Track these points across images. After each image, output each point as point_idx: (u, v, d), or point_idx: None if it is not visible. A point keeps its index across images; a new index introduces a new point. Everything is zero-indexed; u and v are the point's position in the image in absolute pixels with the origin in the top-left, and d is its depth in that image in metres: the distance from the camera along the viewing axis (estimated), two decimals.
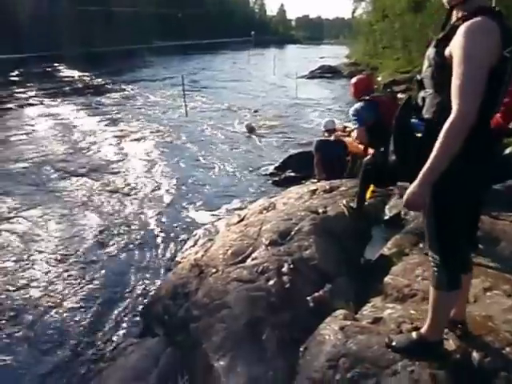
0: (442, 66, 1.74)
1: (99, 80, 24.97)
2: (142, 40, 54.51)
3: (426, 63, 1.87)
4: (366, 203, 4.41)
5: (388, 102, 4.39)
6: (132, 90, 21.73)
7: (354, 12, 50.47)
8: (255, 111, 15.71)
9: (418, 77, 1.91)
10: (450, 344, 2.18)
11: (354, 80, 4.67)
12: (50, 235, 6.07)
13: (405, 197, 1.83)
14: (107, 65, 33.08)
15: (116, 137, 12.03)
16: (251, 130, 12.27)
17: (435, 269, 2.01)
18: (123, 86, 22.67)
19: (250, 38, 70.45)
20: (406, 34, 25.31)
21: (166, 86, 22.85)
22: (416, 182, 1.77)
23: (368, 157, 4.28)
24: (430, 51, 1.82)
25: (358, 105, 4.34)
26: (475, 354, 2.11)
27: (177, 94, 18.84)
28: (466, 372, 2.07)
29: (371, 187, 4.51)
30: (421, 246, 3.51)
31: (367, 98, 4.34)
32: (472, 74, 1.63)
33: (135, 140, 11.78)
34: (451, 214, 1.91)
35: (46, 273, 5.09)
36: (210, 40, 64.54)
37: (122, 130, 12.83)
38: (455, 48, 1.69)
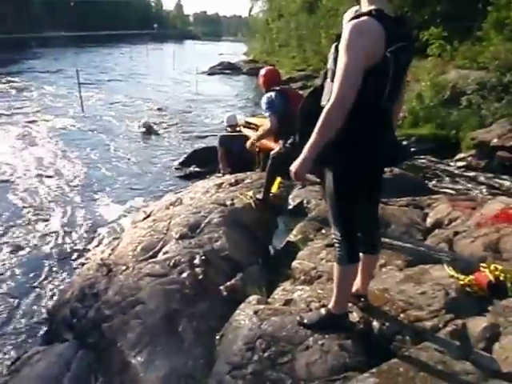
0: (336, 60, 1.92)
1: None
2: (30, 29, 50.30)
3: (329, 55, 2.05)
4: (271, 195, 4.58)
5: (295, 94, 4.56)
6: (23, 83, 20.05)
7: (250, 10, 51.63)
8: (158, 109, 15.32)
9: (327, 67, 2.09)
10: (354, 316, 2.40)
11: (263, 71, 4.69)
12: None
13: (291, 169, 2.03)
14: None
15: (10, 134, 11.09)
16: (149, 128, 11.66)
17: (337, 245, 2.22)
18: (11, 79, 20.83)
19: (147, 32, 68.45)
20: (301, 34, 26.45)
21: (60, 80, 21.44)
22: (300, 157, 1.98)
23: (274, 150, 4.40)
24: (333, 45, 2.00)
25: (269, 94, 4.35)
26: (375, 323, 2.35)
27: (71, 88, 17.76)
28: (368, 339, 2.30)
29: (278, 179, 4.67)
30: (323, 231, 3.76)
31: (278, 88, 4.43)
32: (348, 67, 1.84)
33: (30, 136, 10.98)
34: (346, 194, 2.13)
35: None
36: (106, 32, 61.38)
37: (16, 126, 11.86)
38: (340, 44, 1.90)
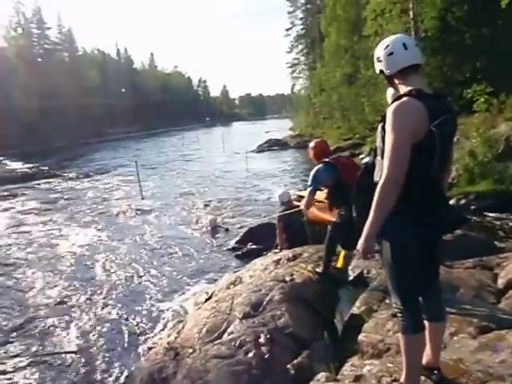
0: (384, 138, 2.05)
1: (56, 173, 24.64)
2: (95, 132, 55.09)
3: (377, 134, 2.19)
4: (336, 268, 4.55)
5: (347, 162, 4.64)
6: (88, 180, 21.70)
7: (293, 88, 54.13)
8: (208, 194, 15.71)
9: (376, 145, 2.23)
10: None
11: (312, 144, 4.78)
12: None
13: (358, 249, 2.12)
14: (61, 157, 32.84)
15: (77, 226, 11.89)
16: (215, 223, 10.60)
17: (399, 315, 2.21)
18: (78, 178, 22.61)
19: (199, 125, 72.83)
20: (344, 105, 27.22)
21: (121, 171, 23.00)
22: (363, 236, 2.07)
23: (331, 223, 4.44)
24: (379, 125, 2.14)
25: (318, 166, 4.44)
26: None
27: (130, 178, 18.96)
28: None
29: (342, 253, 4.61)
30: (387, 301, 3.67)
31: (327, 160, 4.52)
32: (395, 146, 1.97)
33: (96, 229, 11.64)
34: (405, 265, 2.15)
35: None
36: (158, 127, 66.17)
37: (82, 221, 12.70)
38: (386, 124, 2.04)
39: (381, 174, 2.01)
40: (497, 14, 14.17)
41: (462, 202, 9.74)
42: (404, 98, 2.02)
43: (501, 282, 4.17)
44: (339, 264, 4.56)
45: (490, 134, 11.32)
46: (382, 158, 2.05)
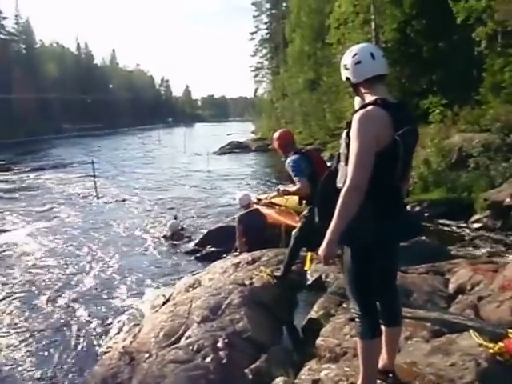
0: (348, 145, 2.08)
1: (8, 167, 23.58)
2: (50, 127, 53.16)
3: (341, 141, 2.21)
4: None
5: (319, 157, 4.62)
6: (42, 176, 21.00)
7: (256, 91, 54.47)
8: (170, 195, 15.46)
9: (340, 151, 2.24)
10: None
11: (277, 134, 4.62)
12: None
13: (319, 254, 2.12)
14: (15, 151, 31.50)
15: (27, 225, 11.47)
16: (176, 229, 9.85)
17: (357, 320, 2.25)
18: (32, 173, 21.80)
19: (160, 125, 71.88)
20: (305, 110, 27.63)
21: (76, 170, 22.33)
22: (324, 241, 2.08)
23: (296, 229, 4.40)
24: (344, 132, 2.17)
25: (294, 157, 4.25)
26: None
27: (87, 176, 18.46)
28: None
29: (309, 255, 4.56)
30: (344, 305, 3.72)
31: (302, 150, 4.46)
32: (360, 153, 2.00)
33: (48, 226, 11.26)
34: (365, 271, 2.19)
35: None
36: (118, 125, 64.73)
37: (33, 218, 12.22)
38: (351, 131, 2.07)
39: (344, 180, 2.04)
40: (453, 29, 14.79)
41: (417, 209, 10.08)
42: (369, 107, 2.06)
43: (451, 288, 4.34)
44: (307, 266, 4.58)
45: (444, 144, 11.80)
46: (346, 164, 2.07)
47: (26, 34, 63.51)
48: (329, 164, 3.79)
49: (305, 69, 28.18)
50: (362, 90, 2.21)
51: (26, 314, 6.16)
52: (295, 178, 4.17)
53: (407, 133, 2.04)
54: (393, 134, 2.02)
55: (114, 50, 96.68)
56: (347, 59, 2.21)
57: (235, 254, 6.61)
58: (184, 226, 10.32)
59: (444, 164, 11.22)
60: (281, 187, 4.70)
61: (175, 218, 10.60)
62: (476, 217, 9.29)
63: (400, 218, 2.19)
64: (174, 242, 9.38)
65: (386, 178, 2.09)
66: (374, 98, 2.11)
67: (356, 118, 2.05)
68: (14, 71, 53.93)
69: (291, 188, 4.30)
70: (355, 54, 2.17)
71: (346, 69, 2.22)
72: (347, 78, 2.24)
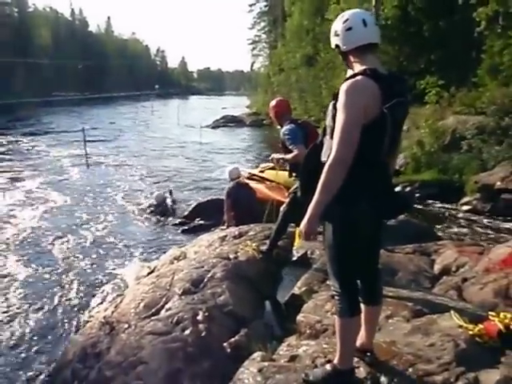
0: (335, 117, 1.98)
1: None
2: (40, 92, 52.12)
3: (328, 113, 2.10)
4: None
5: (314, 129, 4.46)
6: (32, 142, 20.66)
7: (252, 65, 53.75)
8: (161, 165, 15.45)
9: (326, 124, 2.14)
10: (361, 371, 2.31)
11: (274, 102, 4.49)
12: None
13: (300, 229, 2.06)
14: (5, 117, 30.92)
15: (16, 191, 11.33)
16: (162, 200, 9.76)
17: (336, 298, 2.19)
18: (21, 138, 21.45)
19: (153, 92, 70.73)
20: (301, 86, 27.27)
21: (67, 137, 21.99)
22: (306, 216, 2.01)
23: (284, 204, 4.34)
24: (330, 103, 2.06)
25: (289, 126, 4.15)
26: (383, 378, 2.26)
27: (77, 144, 18.21)
28: None
29: (298, 230, 4.55)
30: (328, 282, 3.69)
31: (298, 121, 4.35)
32: (346, 125, 1.90)
33: (35, 192, 11.16)
34: (347, 248, 2.12)
35: None
36: (112, 94, 63.64)
37: (21, 184, 12.10)
38: (338, 103, 1.96)
39: (329, 154, 1.95)
40: (454, 8, 14.53)
41: (408, 189, 10.06)
42: (358, 77, 1.95)
43: (436, 268, 4.33)
44: (296, 242, 4.55)
45: (438, 125, 11.73)
46: (331, 137, 1.98)
47: None
48: None
49: (303, 44, 27.67)
50: (352, 59, 2.09)
51: (10, 280, 6.12)
52: (291, 146, 4.05)
53: (396, 105, 1.94)
54: (381, 106, 1.92)
55: (109, 18, 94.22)
56: (338, 25, 2.09)
57: (223, 227, 6.56)
58: (172, 200, 10.21)
59: (437, 145, 11.17)
60: (275, 155, 4.53)
61: (170, 193, 10.46)
62: (466, 199, 9.30)
63: (387, 194, 2.11)
64: (162, 213, 9.29)
65: (373, 153, 2.00)
66: (363, 67, 1.99)
67: (343, 88, 1.94)
68: (6, 35, 52.56)
69: (287, 155, 4.13)
70: (346, 20, 2.05)
71: (336, 35, 2.10)
72: (337, 46, 2.13)
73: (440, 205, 9.46)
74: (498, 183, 8.67)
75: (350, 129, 1.90)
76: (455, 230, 8.02)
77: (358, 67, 2.04)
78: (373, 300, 2.30)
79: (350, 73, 2.35)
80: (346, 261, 2.13)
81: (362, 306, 2.25)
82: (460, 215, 8.87)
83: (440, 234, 7.20)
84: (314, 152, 2.18)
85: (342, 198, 1.97)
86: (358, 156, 1.92)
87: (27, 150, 18.72)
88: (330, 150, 1.97)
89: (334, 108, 2.00)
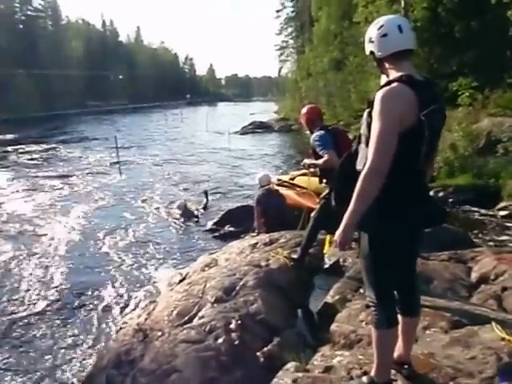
0: (370, 125, 1.95)
1: (34, 145, 23.70)
2: (75, 103, 53.64)
3: (362, 121, 2.08)
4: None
5: (345, 135, 4.45)
6: (67, 149, 21.35)
7: (280, 71, 53.77)
8: (190, 172, 15.60)
9: (360, 132, 2.12)
10: None
11: (305, 109, 4.48)
12: None
13: (335, 238, 2.03)
14: (39, 128, 31.94)
15: (55, 201, 11.60)
16: (185, 208, 9.93)
17: (373, 309, 2.15)
18: (58, 146, 22.13)
19: (182, 101, 71.80)
20: (330, 91, 27.10)
21: (100, 147, 22.51)
22: (341, 226, 1.98)
23: (315, 211, 4.30)
24: (366, 111, 2.03)
25: (319, 132, 4.14)
26: None
27: (110, 154, 18.62)
28: None
29: (328, 238, 4.50)
30: (361, 291, 3.63)
31: (329, 127, 4.34)
32: (382, 134, 1.86)
33: (70, 199, 11.45)
34: (383, 259, 2.08)
35: None
36: (142, 104, 64.88)
37: (59, 195, 12.42)
38: (374, 110, 1.93)
39: (364, 163, 1.92)
40: (486, 7, 14.15)
41: (441, 194, 9.83)
42: (394, 84, 1.91)
43: (474, 276, 4.19)
44: (326, 249, 4.50)
45: (472, 128, 11.41)
46: (367, 145, 1.95)
47: (52, 10, 63.91)
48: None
49: (330, 48, 27.53)
50: (387, 66, 2.06)
51: (45, 287, 6.28)
52: (322, 152, 4.03)
53: (433, 113, 1.89)
54: (418, 113, 1.87)
55: (138, 28, 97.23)
56: (372, 31, 2.05)
57: (253, 234, 6.56)
58: (206, 202, 10.41)
59: (471, 149, 10.86)
60: (306, 161, 4.50)
61: (206, 195, 10.71)
62: (503, 204, 9.00)
63: (424, 204, 2.06)
64: (190, 221, 9.41)
65: (410, 162, 1.96)
66: (399, 74, 1.95)
67: (379, 95, 1.91)
68: (41, 47, 54.42)
69: (318, 161, 4.10)
70: (381, 26, 2.01)
71: (371, 42, 2.07)
72: (371, 52, 2.09)
73: (476, 210, 9.18)
74: None
75: (386, 138, 1.86)
76: (492, 236, 7.77)
77: (393, 74, 2.01)
78: (410, 311, 2.25)
79: (383, 79, 2.31)
80: (382, 271, 2.09)
81: (400, 317, 2.20)
82: (497, 221, 8.58)
83: (476, 240, 6.99)
84: (349, 160, 2.15)
85: (377, 208, 1.93)
86: (395, 165, 1.88)
87: (63, 156, 19.35)
88: (365, 159, 1.94)
89: (370, 116, 1.97)
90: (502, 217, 8.71)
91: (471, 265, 4.44)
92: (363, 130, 2.05)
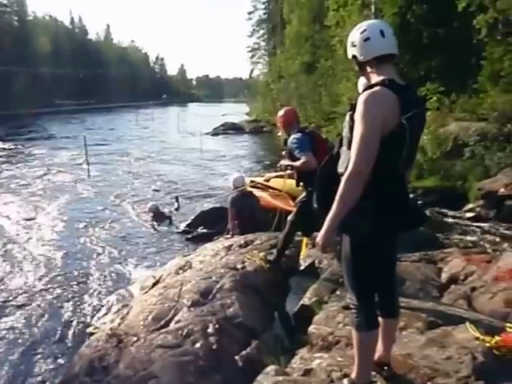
0: (352, 128, 1.96)
1: None
2: (42, 101, 52.20)
3: (345, 124, 2.09)
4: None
5: (321, 138, 4.47)
6: (35, 151, 20.71)
7: (251, 73, 53.83)
8: (161, 173, 15.43)
9: (342, 135, 2.13)
10: None
11: (281, 112, 4.48)
12: None
13: (317, 241, 2.04)
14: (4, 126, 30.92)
15: (19, 204, 11.18)
16: (156, 211, 9.73)
17: (354, 311, 2.17)
18: (24, 148, 21.47)
19: (155, 102, 71.00)
20: (301, 93, 27.31)
21: (69, 146, 21.98)
22: (323, 228, 1.99)
23: (292, 214, 4.30)
24: (347, 114, 2.05)
25: (297, 135, 4.13)
26: None
27: (79, 154, 18.20)
28: None
29: (305, 240, 4.55)
30: (338, 293, 3.66)
31: (306, 130, 4.33)
32: (364, 136, 1.88)
33: (36, 200, 11.11)
34: (364, 261, 2.09)
35: None
36: (112, 103, 63.71)
37: (25, 195, 12.04)
38: (356, 114, 1.94)
39: (346, 165, 1.93)
40: (453, 16, 14.57)
41: (410, 196, 10.03)
42: (376, 88, 1.93)
43: (444, 277, 4.29)
44: (302, 252, 4.52)
45: (439, 132, 11.71)
46: (349, 148, 1.96)
47: (18, 6, 62.02)
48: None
49: (302, 51, 27.74)
50: (369, 70, 2.08)
51: (15, 290, 6.09)
52: (299, 154, 4.02)
53: (415, 117, 1.93)
54: (400, 117, 1.90)
55: (108, 26, 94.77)
56: (355, 36, 2.07)
57: (227, 236, 6.52)
58: (177, 207, 10.28)
59: (439, 152, 11.15)
60: (283, 162, 4.47)
61: (177, 200, 10.59)
62: (469, 206, 9.27)
63: (405, 206, 2.09)
64: (161, 223, 9.28)
65: (391, 165, 1.98)
66: (381, 78, 1.98)
67: (362, 99, 1.92)
68: (6, 43, 52.70)
69: (296, 163, 4.09)
70: (364, 30, 2.04)
71: (353, 46, 2.09)
72: (354, 56, 2.11)
73: (443, 211, 9.42)
74: (502, 190, 8.63)
75: (368, 141, 1.88)
76: (459, 237, 7.98)
77: (375, 78, 2.03)
78: (391, 313, 2.27)
79: (361, 83, 2.32)
80: (364, 273, 2.11)
81: (380, 318, 2.22)
82: (464, 222, 8.83)
83: (445, 241, 7.18)
84: (330, 163, 2.16)
85: (359, 211, 1.95)
86: (377, 168, 1.90)
87: (29, 155, 18.80)
88: (347, 162, 1.95)
89: (352, 119, 1.99)
90: (469, 218, 8.96)
91: (441, 265, 4.55)
92: (345, 132, 2.07)
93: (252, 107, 46.38)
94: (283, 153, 4.43)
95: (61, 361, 4.45)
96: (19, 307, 5.62)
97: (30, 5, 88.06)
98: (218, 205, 9.40)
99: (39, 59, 59.22)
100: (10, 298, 5.86)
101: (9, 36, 54.81)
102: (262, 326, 3.43)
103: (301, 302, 3.69)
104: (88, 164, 15.02)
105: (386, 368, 2.33)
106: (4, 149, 20.96)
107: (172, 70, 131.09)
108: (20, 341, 4.86)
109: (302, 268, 4.54)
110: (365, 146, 1.88)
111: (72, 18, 79.47)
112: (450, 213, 9.35)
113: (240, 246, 5.12)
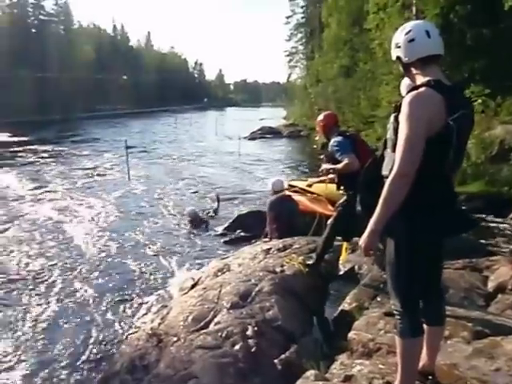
0: (397, 130, 1.93)
1: (44, 148, 23.71)
2: (85, 107, 54.06)
3: (389, 126, 2.06)
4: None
5: (363, 142, 4.44)
6: (79, 153, 21.54)
7: (289, 77, 53.78)
8: (199, 176, 15.67)
9: (387, 137, 2.10)
10: None
11: (321, 117, 4.46)
12: None
13: (359, 244, 2.02)
14: (47, 132, 32.22)
15: (61, 205, 11.57)
16: (195, 217, 9.69)
17: (398, 317, 2.11)
18: (66, 152, 22.29)
19: (195, 106, 72.03)
20: (339, 97, 27.06)
21: (110, 149, 22.65)
22: (366, 231, 1.97)
23: (332, 218, 4.27)
24: (392, 116, 2.02)
25: (338, 138, 4.13)
26: None
27: (120, 156, 18.68)
28: None
29: (345, 245, 4.50)
30: (378, 299, 3.60)
31: (347, 133, 4.32)
32: (409, 138, 1.84)
33: (79, 206, 11.46)
34: (409, 266, 2.04)
35: None
36: (154, 108, 65.21)
37: (67, 198, 12.43)
38: (401, 115, 1.91)
39: (391, 168, 1.90)
40: (499, 16, 14.09)
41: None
42: (421, 89, 1.90)
43: (491, 286, 4.13)
44: (342, 257, 4.48)
45: (484, 135, 11.31)
46: (393, 150, 1.93)
47: (64, 15, 64.49)
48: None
49: (340, 54, 27.52)
50: (414, 71, 2.04)
51: (55, 289, 6.28)
52: (341, 157, 4.00)
53: (462, 118, 1.87)
54: (446, 118, 1.85)
55: (149, 33, 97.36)
56: (399, 37, 2.04)
57: (265, 239, 6.52)
58: (216, 207, 10.40)
59: (484, 156, 10.76)
60: (325, 166, 4.46)
61: (217, 199, 10.66)
62: None
63: (451, 210, 2.03)
64: (198, 227, 9.33)
65: (437, 167, 1.93)
66: (426, 79, 1.94)
67: (407, 100, 1.89)
68: (53, 51, 54.89)
69: (338, 165, 4.07)
70: (409, 31, 2.00)
71: (398, 47, 2.05)
72: (398, 58, 2.08)
73: (488, 218, 9.08)
74: None
75: (413, 142, 1.84)
76: (506, 245, 7.66)
77: (420, 79, 1.99)
78: (436, 320, 2.21)
79: (404, 84, 2.27)
80: (409, 278, 2.05)
81: (425, 326, 2.16)
82: (510, 229, 8.49)
83: (490, 248, 6.91)
84: (374, 165, 2.13)
85: (404, 213, 1.91)
86: (422, 170, 1.85)
87: (74, 156, 19.61)
88: (392, 164, 1.91)
89: (396, 120, 1.95)
90: None
91: (487, 273, 4.38)
92: (390, 134, 2.04)
93: (289, 111, 46.36)
94: (322, 157, 4.41)
95: (101, 358, 4.55)
96: (60, 305, 5.80)
97: (75, 14, 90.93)
98: (255, 208, 9.41)
99: (83, 66, 61.28)
100: (52, 296, 6.04)
101: (55, 44, 56.99)
102: (301, 331, 3.41)
103: (340, 308, 3.65)
104: (128, 166, 15.40)
105: (430, 378, 2.27)
106: (53, 150, 21.85)
107: (210, 75, 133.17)
108: (61, 337, 5.00)
109: (341, 273, 4.48)
110: (410, 148, 1.84)
111: (114, 26, 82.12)
112: (496, 219, 9.00)
113: (278, 250, 5.11)
